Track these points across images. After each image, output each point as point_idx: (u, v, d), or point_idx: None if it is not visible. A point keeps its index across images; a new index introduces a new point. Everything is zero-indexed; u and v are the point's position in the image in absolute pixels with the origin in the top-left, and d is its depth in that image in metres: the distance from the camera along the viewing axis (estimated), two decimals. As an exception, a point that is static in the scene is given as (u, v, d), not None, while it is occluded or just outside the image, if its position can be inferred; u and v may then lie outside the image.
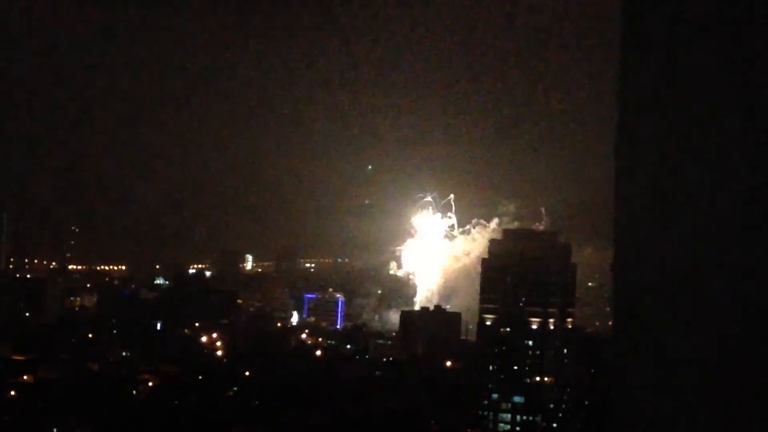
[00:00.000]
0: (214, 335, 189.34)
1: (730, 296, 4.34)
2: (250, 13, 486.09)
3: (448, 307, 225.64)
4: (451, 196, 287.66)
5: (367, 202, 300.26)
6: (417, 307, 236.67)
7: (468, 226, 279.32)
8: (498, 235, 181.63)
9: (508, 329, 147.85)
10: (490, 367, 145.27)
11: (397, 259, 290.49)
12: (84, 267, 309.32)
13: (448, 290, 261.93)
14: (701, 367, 4.42)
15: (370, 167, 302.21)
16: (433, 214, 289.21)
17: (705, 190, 4.41)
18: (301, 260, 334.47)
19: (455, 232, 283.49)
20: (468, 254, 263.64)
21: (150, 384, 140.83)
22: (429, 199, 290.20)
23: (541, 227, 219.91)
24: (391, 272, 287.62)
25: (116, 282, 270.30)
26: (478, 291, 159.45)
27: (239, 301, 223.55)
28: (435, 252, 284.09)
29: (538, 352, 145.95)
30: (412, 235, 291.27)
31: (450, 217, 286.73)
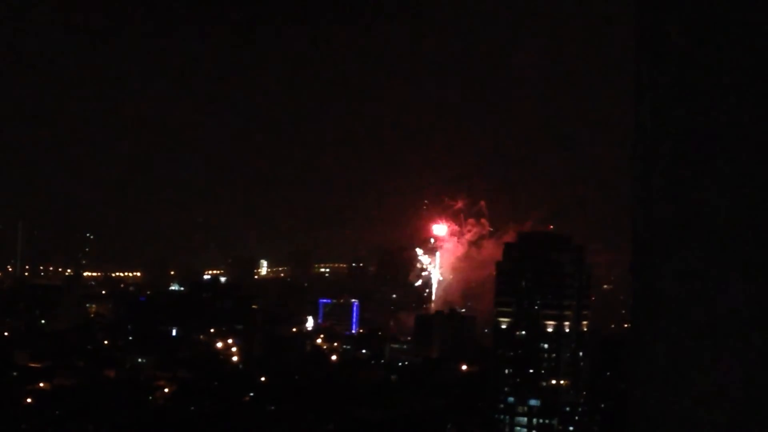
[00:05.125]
0: (230, 341, 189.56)
1: (748, 298, 4.35)
2: (258, 10, 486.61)
3: (463, 310, 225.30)
4: (482, 203, 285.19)
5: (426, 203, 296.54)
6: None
7: (499, 232, 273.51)
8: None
9: (523, 332, 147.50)
10: (506, 370, 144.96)
11: (420, 265, 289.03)
12: (99, 274, 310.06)
13: (469, 296, 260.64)
14: (719, 369, 4.43)
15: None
16: (464, 220, 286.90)
17: (723, 191, 4.42)
18: (316, 265, 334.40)
19: (485, 240, 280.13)
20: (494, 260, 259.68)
21: (166, 390, 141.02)
22: (460, 206, 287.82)
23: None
24: (410, 279, 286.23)
25: (131, 288, 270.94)
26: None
27: (254, 306, 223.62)
28: (460, 258, 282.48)
29: (553, 355, 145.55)
30: (437, 242, 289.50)
31: (482, 224, 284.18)
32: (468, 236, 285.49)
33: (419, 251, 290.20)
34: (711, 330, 4.45)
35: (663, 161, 4.57)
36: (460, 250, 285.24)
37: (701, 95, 4.53)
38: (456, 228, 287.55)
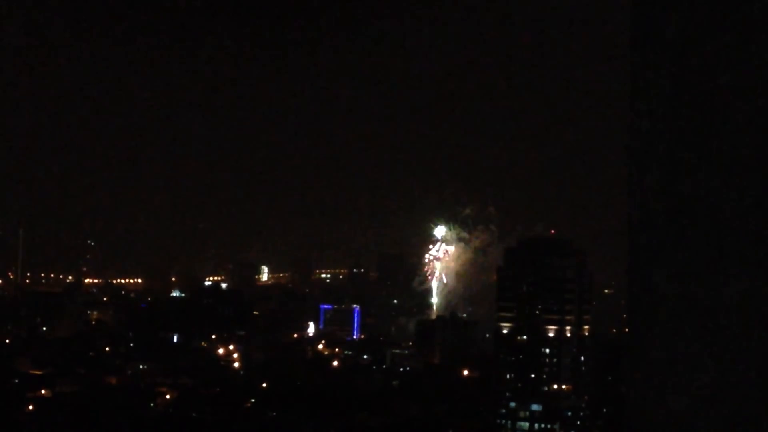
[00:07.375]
0: (231, 347, 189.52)
1: (746, 297, 4.34)
2: (260, 20, 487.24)
3: (464, 315, 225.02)
4: (491, 209, 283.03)
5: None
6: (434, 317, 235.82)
7: (507, 238, 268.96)
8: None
9: (524, 337, 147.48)
10: (508, 375, 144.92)
11: (421, 272, 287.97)
12: (100, 281, 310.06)
13: (472, 302, 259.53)
14: (716, 369, 4.42)
15: None
16: (472, 227, 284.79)
17: (717, 191, 4.41)
18: (317, 271, 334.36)
19: (492, 246, 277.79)
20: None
21: (168, 396, 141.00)
22: (467, 212, 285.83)
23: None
24: (413, 285, 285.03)
25: (132, 295, 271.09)
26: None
27: (255, 312, 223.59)
28: (464, 264, 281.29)
29: (555, 360, 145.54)
30: (442, 249, 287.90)
31: (491, 230, 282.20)
32: (476, 242, 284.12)
33: (424, 256, 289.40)
34: (708, 330, 4.44)
35: (658, 161, 4.56)
36: (466, 255, 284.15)
37: (696, 95, 4.53)
38: (464, 234, 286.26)
